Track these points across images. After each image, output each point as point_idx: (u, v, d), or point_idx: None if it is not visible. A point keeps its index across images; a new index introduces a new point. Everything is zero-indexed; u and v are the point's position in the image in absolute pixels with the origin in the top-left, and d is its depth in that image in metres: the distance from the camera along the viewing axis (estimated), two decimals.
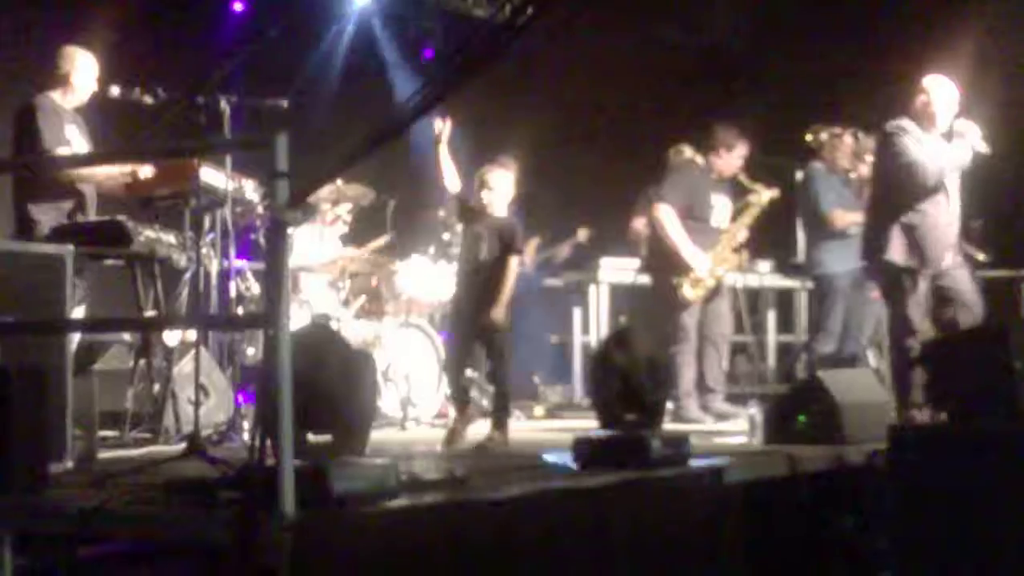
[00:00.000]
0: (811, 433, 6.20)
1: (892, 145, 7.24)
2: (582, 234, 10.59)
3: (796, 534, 5.62)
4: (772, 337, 10.90)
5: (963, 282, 7.33)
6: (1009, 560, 5.08)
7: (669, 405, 7.98)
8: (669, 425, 7.70)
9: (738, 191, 8.60)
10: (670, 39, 12.12)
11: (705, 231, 8.26)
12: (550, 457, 5.40)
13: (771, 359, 10.81)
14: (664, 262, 8.26)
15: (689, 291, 8.13)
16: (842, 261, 9.11)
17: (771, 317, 10.99)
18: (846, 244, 9.11)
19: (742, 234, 8.48)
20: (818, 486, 5.70)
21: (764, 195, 8.54)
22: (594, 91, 11.70)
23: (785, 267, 10.47)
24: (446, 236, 8.80)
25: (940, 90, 7.30)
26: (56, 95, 6.81)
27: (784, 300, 11.04)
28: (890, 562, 5.45)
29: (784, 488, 5.58)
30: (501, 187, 6.73)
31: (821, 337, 9.17)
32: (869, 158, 8.44)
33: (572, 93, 11.52)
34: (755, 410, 6.85)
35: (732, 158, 8.42)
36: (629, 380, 5.28)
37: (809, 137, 8.63)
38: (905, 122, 7.26)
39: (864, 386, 6.72)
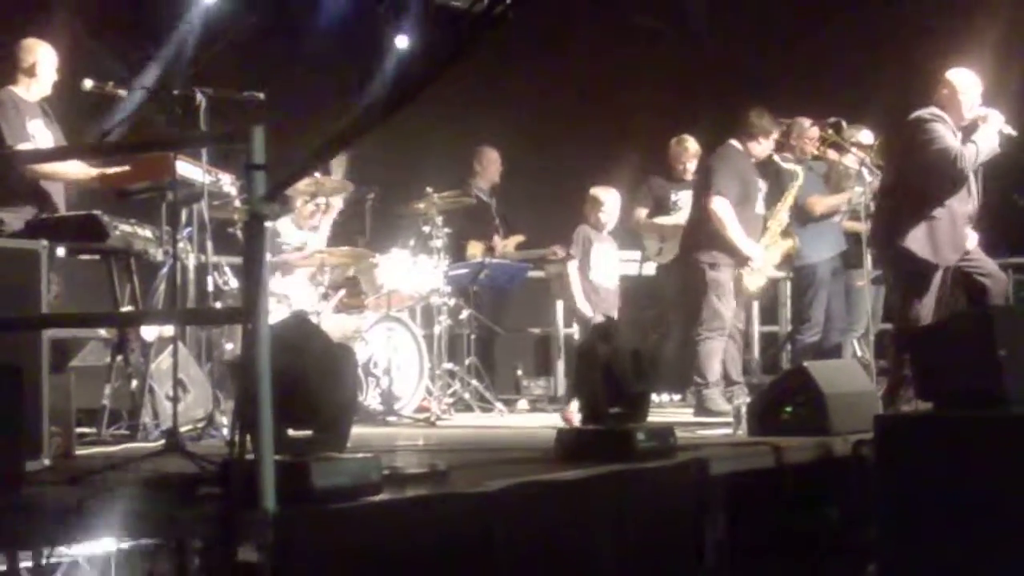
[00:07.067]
0: (797, 424, 6.17)
1: (926, 131, 7.20)
2: (556, 253, 10.42)
3: (782, 526, 5.59)
4: (756, 328, 10.86)
5: (984, 257, 7.43)
6: (997, 549, 5.06)
7: (694, 394, 8.09)
8: (694, 415, 7.84)
9: (765, 172, 8.60)
10: (647, 27, 12.10)
11: (749, 219, 8.18)
12: None
13: (755, 350, 10.77)
14: (711, 249, 8.15)
15: (751, 281, 8.14)
16: (821, 250, 9.12)
17: (755, 308, 10.95)
18: (824, 232, 9.13)
19: (785, 217, 8.51)
20: (804, 477, 5.67)
21: (799, 176, 8.56)
22: (573, 84, 11.68)
23: None
24: (426, 229, 8.75)
25: (963, 83, 7.28)
26: (19, 89, 6.75)
27: (767, 291, 11.00)
28: (877, 553, 5.43)
29: (770, 479, 5.55)
30: None
31: (805, 327, 9.18)
32: (863, 145, 8.52)
33: (550, 85, 11.49)
34: (740, 401, 6.82)
35: (770, 143, 8.38)
36: (613, 372, 5.24)
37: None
38: (936, 110, 7.24)
39: (850, 376, 6.70)
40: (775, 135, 8.38)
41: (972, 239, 7.39)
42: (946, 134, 7.14)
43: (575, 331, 9.90)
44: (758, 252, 8.12)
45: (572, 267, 9.30)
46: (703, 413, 7.80)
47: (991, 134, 7.18)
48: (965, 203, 7.28)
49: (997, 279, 7.33)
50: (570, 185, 10.15)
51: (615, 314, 9.17)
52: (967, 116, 7.26)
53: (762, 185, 8.38)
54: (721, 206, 8.04)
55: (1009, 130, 7.25)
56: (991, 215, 7.74)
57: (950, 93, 7.26)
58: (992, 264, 7.42)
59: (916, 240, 7.16)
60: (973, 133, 7.20)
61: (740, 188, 8.12)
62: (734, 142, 8.28)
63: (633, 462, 4.90)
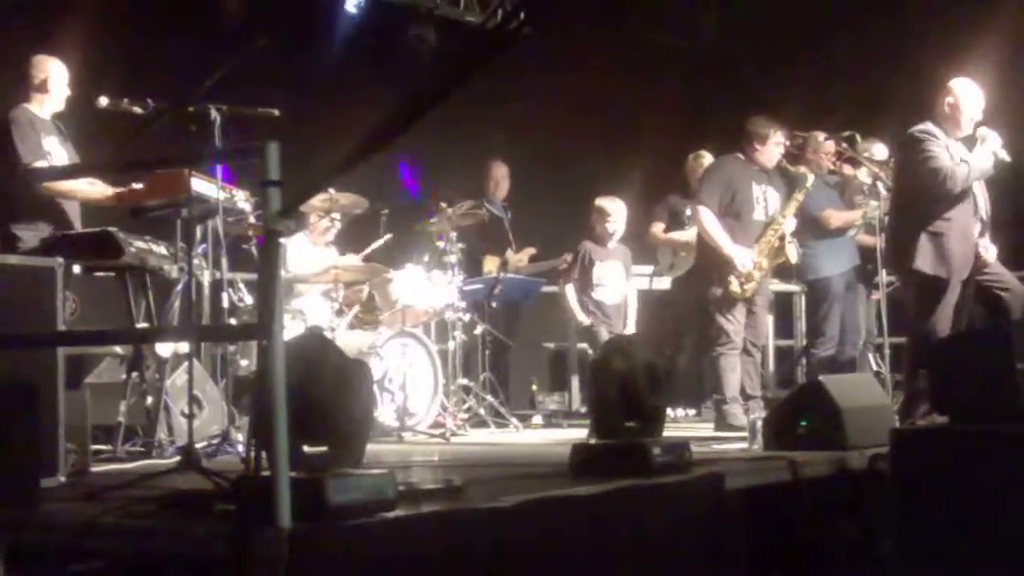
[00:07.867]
0: (812, 438, 6.15)
1: (918, 151, 7.19)
2: (567, 261, 10.40)
3: (798, 540, 5.56)
4: (771, 342, 10.85)
5: (1003, 271, 7.41)
6: (1014, 563, 5.03)
7: (714, 409, 8.07)
8: (715, 429, 7.87)
9: (788, 178, 8.54)
10: (660, 42, 12.10)
11: (746, 226, 8.12)
12: None
13: (771, 364, 10.75)
14: (707, 264, 8.18)
15: (737, 287, 8.03)
16: (835, 264, 9.08)
17: (769, 322, 10.93)
18: (838, 246, 9.10)
19: (789, 224, 8.29)
20: (820, 491, 5.64)
21: (809, 179, 8.44)
22: (585, 98, 11.68)
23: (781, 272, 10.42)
24: (440, 244, 8.75)
25: (966, 93, 7.27)
26: (33, 106, 6.78)
27: (782, 305, 10.98)
28: (894, 567, 5.40)
29: (786, 494, 5.53)
30: None
31: (819, 341, 9.15)
32: (875, 159, 8.49)
33: (561, 100, 11.49)
34: (756, 416, 6.80)
35: (770, 148, 8.25)
36: (628, 387, 5.23)
37: (788, 142, 8.58)
38: (930, 126, 7.23)
39: (865, 390, 6.68)
40: (776, 138, 8.26)
41: (991, 252, 7.35)
42: (939, 153, 7.13)
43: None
44: (742, 256, 8.03)
45: (568, 288, 9.39)
46: (724, 428, 7.78)
47: (986, 155, 7.18)
48: (972, 213, 7.25)
49: (1016, 292, 7.29)
50: (582, 199, 10.17)
51: (622, 330, 9.20)
52: (966, 128, 7.25)
53: (769, 192, 8.27)
54: (702, 215, 8.07)
55: (1004, 155, 7.24)
56: (1013, 225, 7.71)
57: (952, 103, 7.26)
58: (1012, 278, 7.39)
59: (924, 257, 7.15)
60: (973, 145, 7.20)
61: (726, 196, 8.09)
62: (737, 153, 8.28)
63: (648, 477, 4.89)
